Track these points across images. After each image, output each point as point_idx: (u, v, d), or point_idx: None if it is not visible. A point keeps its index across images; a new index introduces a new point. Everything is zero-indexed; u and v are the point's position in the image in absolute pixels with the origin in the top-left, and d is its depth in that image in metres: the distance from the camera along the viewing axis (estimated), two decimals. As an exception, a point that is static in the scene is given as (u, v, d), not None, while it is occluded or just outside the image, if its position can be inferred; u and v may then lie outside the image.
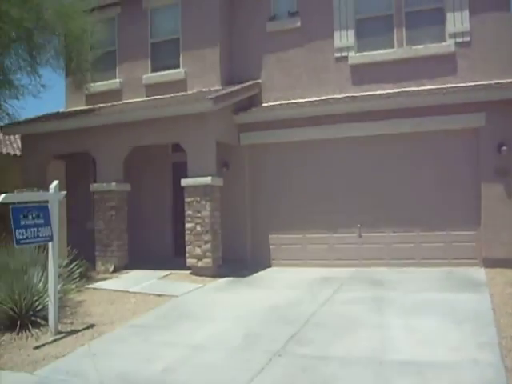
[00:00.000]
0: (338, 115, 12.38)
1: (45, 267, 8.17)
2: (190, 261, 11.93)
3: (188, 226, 11.98)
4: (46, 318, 7.84)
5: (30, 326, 7.79)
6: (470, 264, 11.45)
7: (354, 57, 12.99)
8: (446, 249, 11.77)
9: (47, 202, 7.81)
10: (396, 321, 7.60)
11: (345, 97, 12.79)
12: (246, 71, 13.90)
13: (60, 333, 7.68)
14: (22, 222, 7.22)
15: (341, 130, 12.40)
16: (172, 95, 14.01)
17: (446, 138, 11.77)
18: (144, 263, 12.87)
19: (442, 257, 11.74)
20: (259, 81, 13.83)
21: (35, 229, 7.40)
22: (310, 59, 13.38)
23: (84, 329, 7.95)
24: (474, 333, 6.85)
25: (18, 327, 7.73)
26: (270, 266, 12.97)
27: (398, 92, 12.27)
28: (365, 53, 12.89)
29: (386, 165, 12.24)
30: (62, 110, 15.90)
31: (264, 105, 13.70)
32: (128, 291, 10.43)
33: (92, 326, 8.09)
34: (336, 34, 13.13)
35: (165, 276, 11.81)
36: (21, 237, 7.19)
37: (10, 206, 7.18)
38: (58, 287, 8.06)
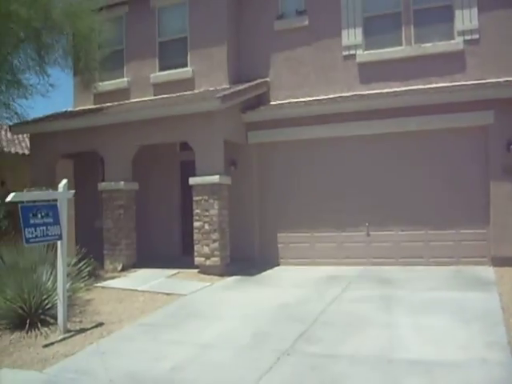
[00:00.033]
0: (346, 113, 12.35)
1: (53, 266, 8.19)
2: (198, 259, 11.94)
3: (196, 224, 11.99)
4: (54, 317, 7.88)
5: (39, 325, 7.82)
6: (479, 263, 11.40)
7: (362, 55, 12.96)
8: (454, 247, 11.72)
9: (56, 200, 7.84)
10: (404, 319, 7.59)
11: (353, 95, 12.76)
12: (253, 70, 13.90)
13: (69, 331, 7.71)
14: (32, 221, 7.25)
15: (349, 128, 12.37)
16: (180, 94, 14.03)
17: (454, 136, 11.70)
18: (152, 262, 12.89)
19: (450, 255, 11.70)
20: (267, 79, 13.82)
21: (44, 227, 7.43)
22: (318, 57, 13.36)
23: (93, 327, 7.97)
24: (483, 332, 6.82)
25: (27, 326, 7.77)
26: (278, 265, 12.97)
27: (406, 90, 12.23)
28: (373, 51, 12.85)
29: (394, 163, 12.21)
30: (70, 109, 15.93)
31: (272, 103, 13.69)
32: (136, 290, 10.45)
33: (101, 324, 8.12)
34: (344, 32, 13.10)
35: (173, 275, 11.83)
36: (30, 235, 7.21)
37: (19, 205, 7.21)
38: (67, 286, 8.08)
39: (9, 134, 16.54)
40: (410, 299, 8.75)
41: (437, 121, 11.67)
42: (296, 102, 13.29)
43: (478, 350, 6.15)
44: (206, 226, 11.84)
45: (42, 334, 7.65)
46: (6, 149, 15.93)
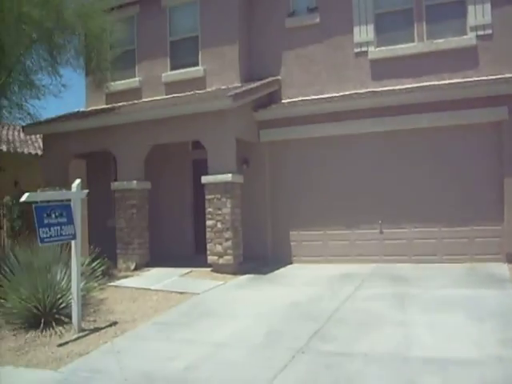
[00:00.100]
0: (358, 111, 12.32)
1: (67, 265, 8.24)
2: (210, 258, 11.95)
3: (209, 223, 12.00)
4: (69, 316, 7.92)
5: (53, 324, 7.87)
6: (493, 260, 11.32)
7: (374, 52, 12.90)
8: (468, 244, 11.65)
9: (70, 200, 7.87)
10: (419, 317, 7.55)
11: (365, 92, 12.71)
12: (265, 68, 13.88)
13: (83, 330, 7.74)
14: (46, 221, 7.29)
15: (361, 125, 12.33)
16: (191, 93, 14.04)
17: (467, 132, 11.62)
18: (165, 261, 12.92)
19: (464, 252, 11.62)
20: (278, 77, 13.80)
21: (58, 227, 7.46)
22: (330, 55, 13.32)
23: (107, 326, 8.01)
24: (498, 329, 6.77)
25: (41, 325, 7.82)
26: (290, 263, 12.95)
27: (418, 87, 12.16)
28: (385, 47, 12.80)
29: (407, 160, 12.14)
30: (82, 109, 16.00)
31: (284, 101, 13.67)
32: (150, 289, 10.47)
33: (115, 323, 8.15)
34: (355, 29, 13.05)
35: (186, 273, 11.84)
36: (45, 235, 7.25)
37: (34, 205, 7.25)
38: (81, 285, 8.13)
39: (22, 135, 16.65)
40: (423, 297, 8.71)
41: (451, 117, 11.59)
42: (308, 99, 13.26)
43: (493, 348, 6.10)
44: (219, 225, 11.85)
45: (56, 333, 7.69)
46: (19, 149, 16.06)
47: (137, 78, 15.20)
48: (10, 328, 7.96)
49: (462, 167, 11.71)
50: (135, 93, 15.13)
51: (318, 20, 13.44)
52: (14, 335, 7.74)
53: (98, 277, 9.21)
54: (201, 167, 12.74)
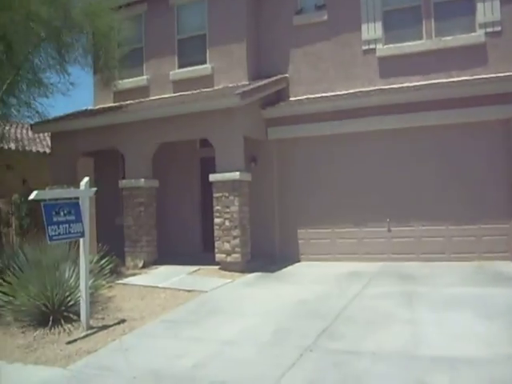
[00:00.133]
0: (366, 108, 12.28)
1: (76, 263, 8.27)
2: (218, 256, 11.96)
3: (217, 221, 12.01)
4: (77, 314, 7.94)
5: (62, 322, 7.90)
6: (501, 258, 11.28)
7: (382, 49, 12.86)
8: (476, 243, 11.61)
9: (78, 198, 7.89)
10: (427, 315, 7.53)
11: (373, 90, 12.67)
12: (272, 65, 13.86)
13: (92, 328, 7.77)
14: (54, 219, 7.31)
15: (369, 123, 12.29)
16: (199, 91, 14.04)
17: (475, 130, 11.57)
18: (173, 259, 12.94)
19: (472, 251, 11.58)
20: (286, 75, 13.78)
21: (67, 225, 7.48)
22: (338, 52, 13.29)
23: (115, 324, 8.02)
24: (507, 328, 6.74)
25: (50, 322, 7.85)
26: (298, 261, 12.95)
27: (427, 84, 12.12)
28: (393, 45, 12.76)
29: (415, 158, 12.11)
30: (90, 107, 16.05)
31: (291, 99, 13.65)
32: (157, 286, 10.48)
33: (123, 321, 8.17)
34: (363, 27, 13.01)
35: (194, 271, 11.86)
36: (53, 233, 7.27)
37: (42, 203, 7.27)
38: (89, 283, 8.14)
39: (30, 133, 16.70)
40: (431, 295, 8.68)
41: (458, 115, 11.54)
42: (316, 97, 13.24)
43: (502, 347, 6.08)
44: (227, 223, 11.85)
45: (65, 330, 7.72)
46: (27, 147, 16.11)
47: (144, 76, 15.22)
48: (19, 325, 8.00)
49: (469, 165, 11.67)
50: (143, 91, 15.15)
51: (325, 17, 13.41)
52: (23, 332, 7.78)
53: (106, 274, 9.26)
54: (208, 165, 12.75)
